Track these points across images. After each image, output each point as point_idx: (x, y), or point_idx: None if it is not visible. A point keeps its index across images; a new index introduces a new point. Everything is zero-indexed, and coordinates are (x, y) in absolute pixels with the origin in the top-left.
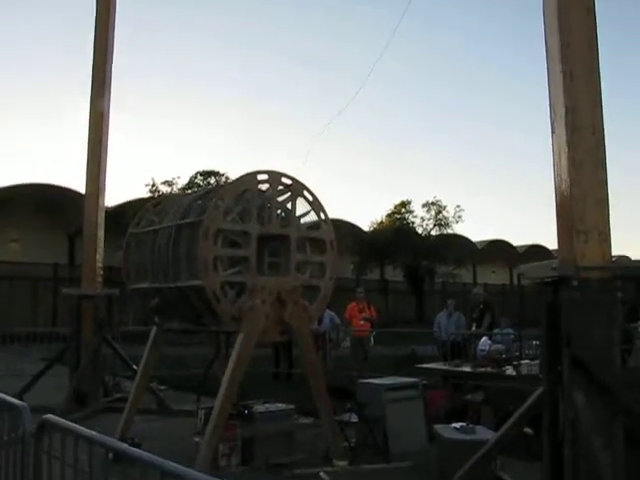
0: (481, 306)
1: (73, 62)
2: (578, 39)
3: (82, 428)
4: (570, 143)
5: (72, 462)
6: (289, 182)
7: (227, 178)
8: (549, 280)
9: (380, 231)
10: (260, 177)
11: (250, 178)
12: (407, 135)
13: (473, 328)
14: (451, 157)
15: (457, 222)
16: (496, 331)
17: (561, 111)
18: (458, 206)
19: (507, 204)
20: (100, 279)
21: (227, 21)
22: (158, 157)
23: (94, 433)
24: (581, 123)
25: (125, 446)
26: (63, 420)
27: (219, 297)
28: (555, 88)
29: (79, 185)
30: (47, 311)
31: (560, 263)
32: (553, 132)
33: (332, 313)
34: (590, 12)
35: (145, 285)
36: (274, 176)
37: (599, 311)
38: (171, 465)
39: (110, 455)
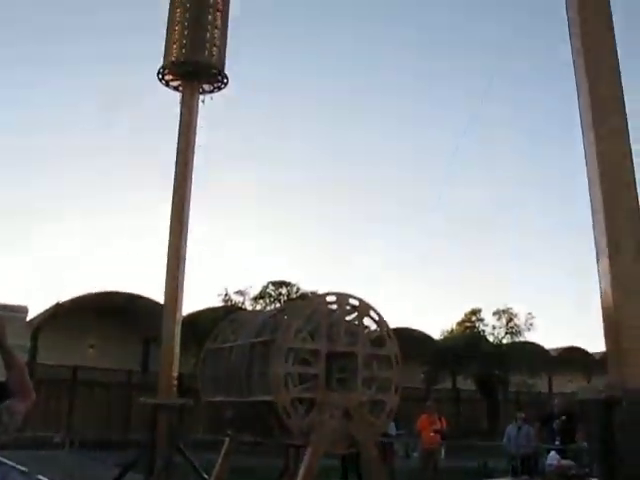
0: (563, 417)
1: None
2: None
3: None
4: (613, 275)
5: None
6: (356, 303)
7: (298, 289)
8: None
9: (451, 339)
10: (329, 298)
11: (320, 299)
12: (477, 243)
13: (557, 442)
14: (522, 262)
15: (529, 330)
16: (572, 446)
17: (604, 246)
18: (529, 313)
19: (582, 310)
20: (174, 389)
21: (311, 134)
22: (232, 265)
23: None
24: (623, 254)
25: None
26: None
27: (289, 412)
28: (599, 226)
29: (152, 292)
30: (121, 417)
31: (608, 385)
32: (598, 260)
33: (392, 423)
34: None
35: (220, 398)
36: (342, 297)
37: None
38: None
39: None
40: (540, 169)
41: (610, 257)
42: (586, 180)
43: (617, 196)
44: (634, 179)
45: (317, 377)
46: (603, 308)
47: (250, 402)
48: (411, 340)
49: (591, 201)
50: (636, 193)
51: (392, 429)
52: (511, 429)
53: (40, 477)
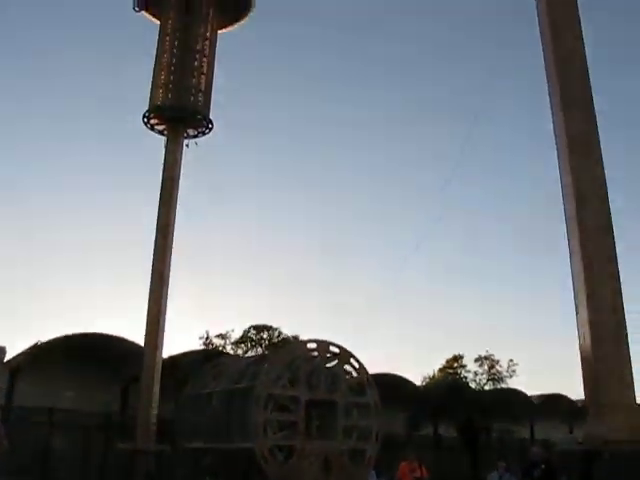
0: (543, 466)
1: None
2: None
3: None
4: (593, 331)
5: None
6: (337, 350)
7: (280, 333)
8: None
9: (432, 386)
10: (310, 345)
11: (300, 346)
12: (459, 291)
13: None
14: (503, 310)
15: (511, 376)
16: None
17: (583, 297)
18: (511, 360)
19: (564, 357)
20: (153, 434)
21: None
22: (212, 308)
23: None
24: (601, 305)
25: None
26: None
27: (268, 460)
28: (578, 275)
29: (133, 334)
30: (98, 461)
31: (587, 437)
32: (577, 313)
33: (372, 470)
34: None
35: (198, 445)
36: (323, 345)
37: None
38: None
39: None
40: (522, 213)
41: (589, 314)
42: (565, 224)
43: (594, 246)
44: (610, 221)
45: (296, 424)
46: (582, 361)
47: (229, 448)
48: (392, 386)
49: (570, 251)
50: (614, 241)
51: (372, 477)
52: (493, 477)
53: None
